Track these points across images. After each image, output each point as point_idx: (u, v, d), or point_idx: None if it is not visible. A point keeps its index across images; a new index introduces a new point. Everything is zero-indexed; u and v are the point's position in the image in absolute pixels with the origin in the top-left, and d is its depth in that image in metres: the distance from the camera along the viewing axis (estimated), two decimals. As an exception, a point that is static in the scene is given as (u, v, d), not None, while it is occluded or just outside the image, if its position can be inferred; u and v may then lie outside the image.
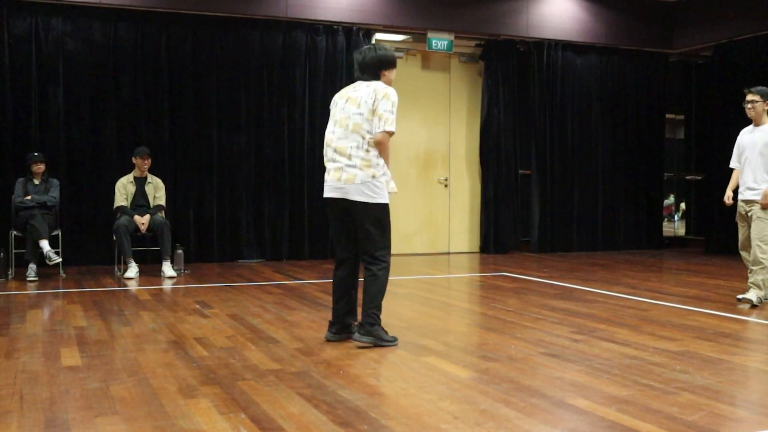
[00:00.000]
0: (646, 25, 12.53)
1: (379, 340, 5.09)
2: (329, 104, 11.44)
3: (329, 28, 10.71)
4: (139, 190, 8.98)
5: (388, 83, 5.18)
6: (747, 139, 7.06)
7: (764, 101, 6.94)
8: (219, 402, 3.80)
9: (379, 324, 5.11)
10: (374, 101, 4.97)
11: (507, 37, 11.73)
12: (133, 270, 8.56)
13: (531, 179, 12.08)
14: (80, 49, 9.67)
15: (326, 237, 10.73)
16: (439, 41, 11.24)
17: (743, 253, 7.07)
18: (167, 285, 8.21)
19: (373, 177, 5.00)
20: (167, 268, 8.70)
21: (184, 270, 9.12)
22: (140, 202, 8.95)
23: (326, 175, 5.19)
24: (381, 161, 5.05)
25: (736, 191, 7.15)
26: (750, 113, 7.01)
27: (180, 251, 9.14)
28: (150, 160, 9.07)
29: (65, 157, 9.60)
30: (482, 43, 11.82)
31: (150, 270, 9.06)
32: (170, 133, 10.05)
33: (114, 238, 8.76)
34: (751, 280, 6.87)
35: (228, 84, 10.32)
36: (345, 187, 5.03)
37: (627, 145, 12.67)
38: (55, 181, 8.86)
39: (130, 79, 9.88)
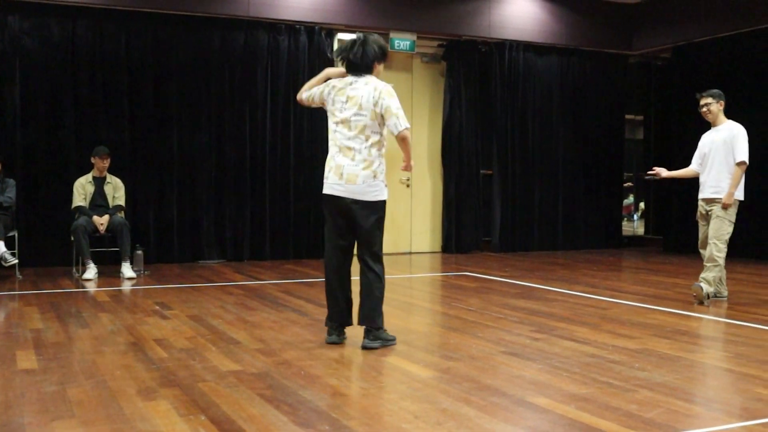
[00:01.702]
0: (606, 26, 12.66)
1: (385, 341, 5.15)
2: (291, 104, 11.39)
3: (291, 27, 10.67)
4: (98, 190, 8.86)
5: (377, 75, 5.20)
6: (708, 140, 7.18)
7: (717, 102, 7.07)
8: (179, 404, 3.76)
9: (383, 327, 5.15)
10: (376, 102, 5.00)
11: (469, 37, 11.79)
12: (91, 271, 8.45)
13: (492, 179, 12.15)
14: (38, 47, 9.52)
15: (287, 237, 10.69)
16: (402, 41, 11.26)
17: (703, 252, 7.17)
18: (126, 286, 8.12)
19: (375, 177, 5.02)
20: (126, 269, 8.60)
21: (144, 271, 9.02)
22: (99, 203, 8.84)
23: (328, 171, 5.12)
24: (382, 161, 5.09)
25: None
26: (707, 117, 7.14)
27: (139, 252, 9.04)
28: (109, 160, 8.95)
29: (22, 157, 9.44)
30: (444, 43, 11.86)
31: (109, 271, 8.94)
32: (130, 132, 9.93)
33: (72, 238, 8.64)
34: (702, 275, 6.97)
35: (189, 83, 10.23)
36: (347, 186, 5.01)
37: (587, 145, 12.79)
38: (11, 181, 8.70)
39: (89, 77, 9.74)
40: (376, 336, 5.08)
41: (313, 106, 5.37)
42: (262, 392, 3.97)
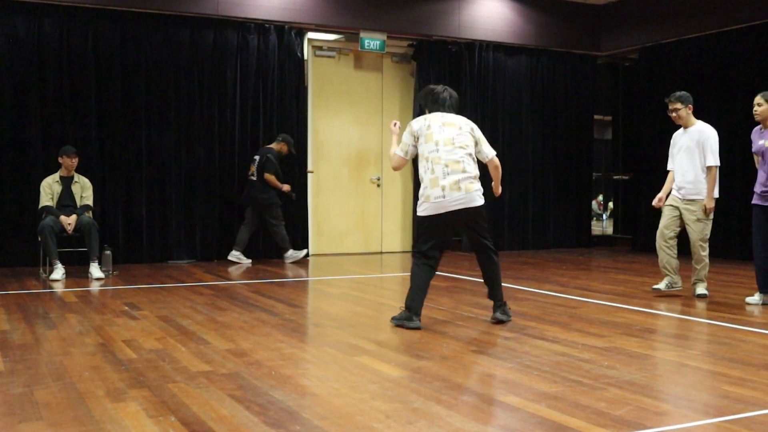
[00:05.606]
0: (575, 27, 12.75)
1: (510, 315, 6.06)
2: (261, 103, 11.34)
3: (261, 26, 10.63)
4: (65, 189, 8.76)
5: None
6: (679, 141, 7.32)
7: (686, 106, 7.15)
8: (148, 405, 3.73)
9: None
10: (471, 128, 6.07)
11: (439, 37, 11.81)
12: (59, 272, 8.35)
13: (463, 179, 12.15)
14: (3, 44, 9.39)
15: (257, 237, 10.63)
16: (372, 41, 11.26)
17: (661, 241, 7.26)
18: (95, 287, 8.04)
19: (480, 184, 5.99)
20: (94, 270, 8.51)
21: (112, 271, 8.93)
22: (66, 203, 8.73)
23: (437, 191, 5.81)
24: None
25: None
26: (678, 121, 7.22)
27: (108, 252, 8.94)
28: (77, 159, 8.85)
29: (-13, 156, 9.33)
30: (414, 43, 11.88)
31: (77, 272, 8.85)
32: (97, 131, 9.83)
33: (39, 239, 8.54)
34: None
35: (157, 82, 10.15)
36: (466, 196, 5.91)
37: (556, 145, 12.88)
38: (-23, 181, 8.59)
39: (56, 75, 9.63)
40: (505, 311, 6.03)
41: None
42: (233, 393, 3.95)
